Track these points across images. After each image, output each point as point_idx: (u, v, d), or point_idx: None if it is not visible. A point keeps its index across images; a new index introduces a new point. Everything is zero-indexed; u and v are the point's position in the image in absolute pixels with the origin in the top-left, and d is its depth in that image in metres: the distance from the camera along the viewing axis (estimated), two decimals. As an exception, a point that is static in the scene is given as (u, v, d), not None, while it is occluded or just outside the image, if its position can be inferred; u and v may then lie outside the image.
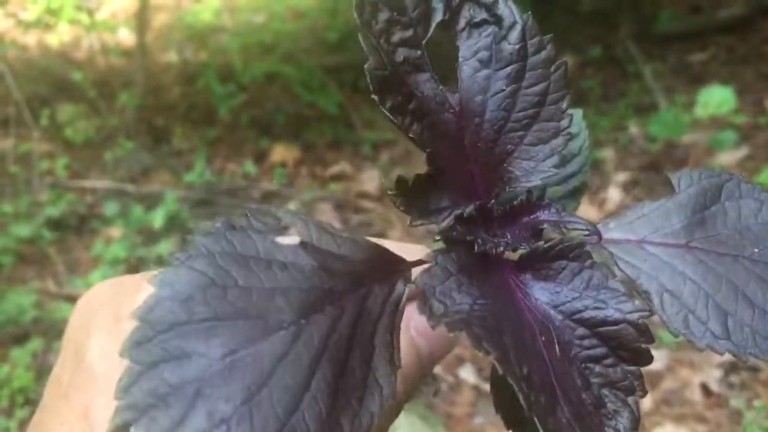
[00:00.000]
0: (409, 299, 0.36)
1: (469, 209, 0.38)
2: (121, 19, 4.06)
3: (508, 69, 0.39)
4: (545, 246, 0.37)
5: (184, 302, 0.29)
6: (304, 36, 3.90)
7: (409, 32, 0.38)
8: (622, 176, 2.81)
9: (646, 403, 1.90)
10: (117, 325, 0.37)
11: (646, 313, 0.35)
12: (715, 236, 0.39)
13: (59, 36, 3.95)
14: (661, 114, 3.01)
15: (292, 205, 2.80)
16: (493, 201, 0.39)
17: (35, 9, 3.98)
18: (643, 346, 0.34)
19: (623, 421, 0.33)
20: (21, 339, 2.18)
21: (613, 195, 2.74)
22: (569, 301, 0.36)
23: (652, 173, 2.81)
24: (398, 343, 0.33)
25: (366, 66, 0.36)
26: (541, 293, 0.36)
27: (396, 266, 0.36)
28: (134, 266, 2.41)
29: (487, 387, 2.09)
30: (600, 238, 0.38)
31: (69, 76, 3.36)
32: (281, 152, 3.12)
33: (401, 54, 0.37)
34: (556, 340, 0.34)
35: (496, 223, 0.39)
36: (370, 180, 2.97)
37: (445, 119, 0.39)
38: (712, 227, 0.39)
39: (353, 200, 2.85)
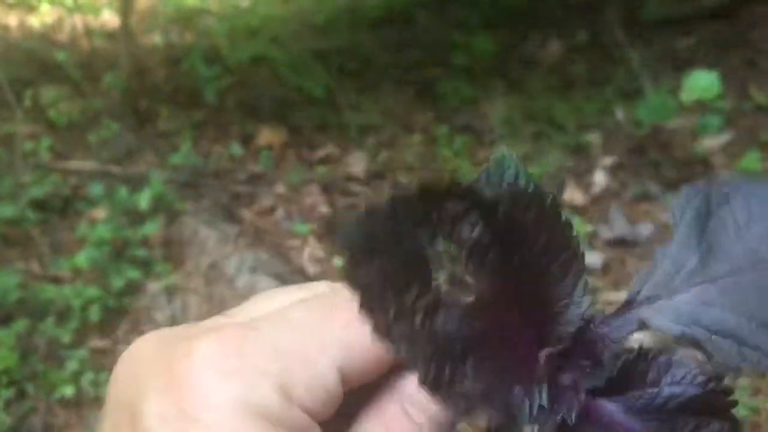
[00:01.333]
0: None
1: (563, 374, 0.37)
2: (104, 1, 4.01)
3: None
4: (619, 369, 0.36)
5: None
6: (291, 19, 3.87)
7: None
8: (608, 160, 2.82)
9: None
10: (171, 385, 0.35)
11: (721, 375, 0.35)
12: (727, 256, 0.38)
13: (41, 17, 3.89)
14: (647, 99, 3.02)
15: (278, 188, 2.78)
16: (560, 346, 0.37)
17: (17, -11, 3.92)
18: (731, 412, 0.34)
19: None
20: (5, 320, 2.16)
21: (599, 179, 2.75)
22: (652, 400, 0.36)
23: (638, 157, 2.82)
24: None
25: None
26: (628, 412, 0.36)
27: None
28: (120, 247, 2.39)
29: None
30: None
31: (52, 58, 3.32)
32: (267, 135, 3.10)
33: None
34: None
35: (569, 366, 0.37)
36: (357, 163, 2.96)
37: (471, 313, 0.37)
38: (718, 248, 0.38)
39: (340, 183, 2.84)
